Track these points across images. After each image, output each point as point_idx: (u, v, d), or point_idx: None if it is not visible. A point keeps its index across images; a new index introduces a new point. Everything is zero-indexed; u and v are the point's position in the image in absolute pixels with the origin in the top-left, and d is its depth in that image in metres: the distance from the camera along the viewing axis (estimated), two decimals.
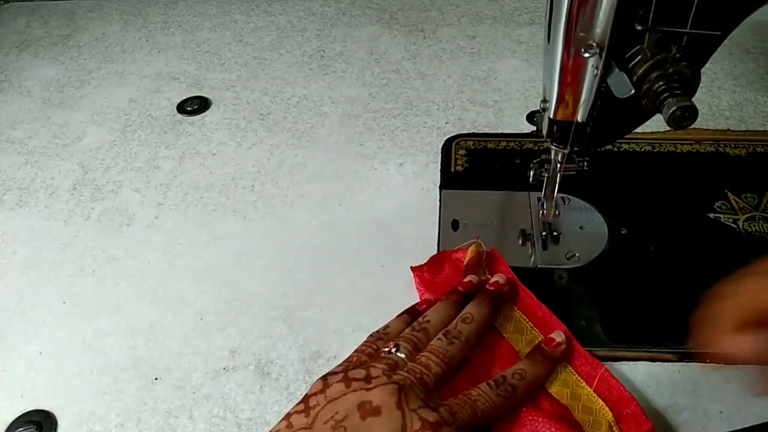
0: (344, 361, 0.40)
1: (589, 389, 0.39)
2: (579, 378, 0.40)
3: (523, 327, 0.43)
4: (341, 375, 0.37)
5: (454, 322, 0.41)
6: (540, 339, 0.42)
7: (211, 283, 0.50)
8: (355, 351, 0.41)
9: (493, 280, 0.45)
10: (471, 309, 0.42)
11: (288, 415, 0.36)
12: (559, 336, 0.41)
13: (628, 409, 0.38)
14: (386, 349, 0.39)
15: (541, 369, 0.40)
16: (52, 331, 0.48)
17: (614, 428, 0.37)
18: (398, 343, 0.40)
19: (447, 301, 0.44)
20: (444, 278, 0.47)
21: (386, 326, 0.43)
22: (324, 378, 0.37)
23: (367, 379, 0.37)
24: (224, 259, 0.52)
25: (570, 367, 0.40)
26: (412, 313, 0.44)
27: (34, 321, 0.48)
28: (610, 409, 0.38)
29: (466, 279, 0.45)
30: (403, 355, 0.39)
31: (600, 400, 0.38)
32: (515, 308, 0.44)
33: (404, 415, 0.34)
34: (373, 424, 0.34)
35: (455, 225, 0.52)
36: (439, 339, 0.40)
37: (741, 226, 0.50)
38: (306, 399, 0.37)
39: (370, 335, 0.42)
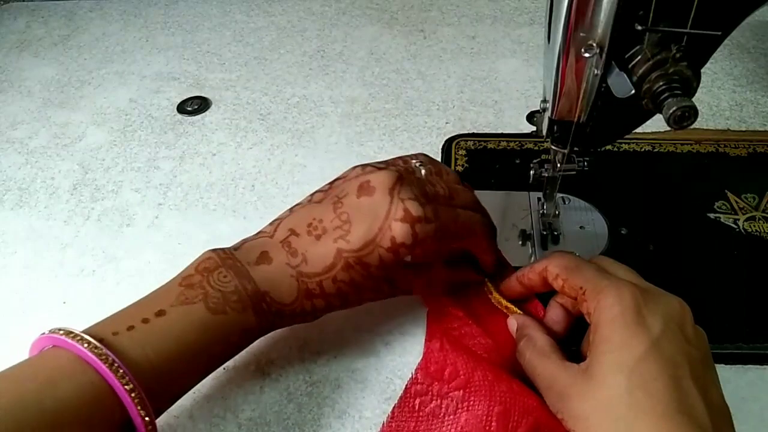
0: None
1: None
2: None
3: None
4: (370, 163, 0.42)
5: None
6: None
7: None
8: (396, 157, 0.44)
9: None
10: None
11: (313, 192, 0.42)
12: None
13: None
14: (414, 162, 0.43)
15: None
16: None
17: None
18: (424, 161, 0.43)
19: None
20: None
21: (432, 159, 0.46)
22: (354, 165, 0.42)
23: (382, 168, 0.40)
24: None
25: None
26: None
27: (34, 321, 0.48)
28: None
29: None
30: (423, 171, 0.42)
31: None
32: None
33: (391, 201, 0.37)
34: (364, 203, 0.38)
35: None
36: (456, 180, 0.44)
37: (741, 226, 0.50)
38: (333, 180, 0.42)
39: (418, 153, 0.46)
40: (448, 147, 0.61)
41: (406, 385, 0.40)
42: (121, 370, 0.31)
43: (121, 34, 0.83)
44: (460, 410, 0.38)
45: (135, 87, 0.73)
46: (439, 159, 0.59)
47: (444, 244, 0.39)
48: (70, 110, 0.70)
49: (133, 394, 0.31)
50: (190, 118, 0.68)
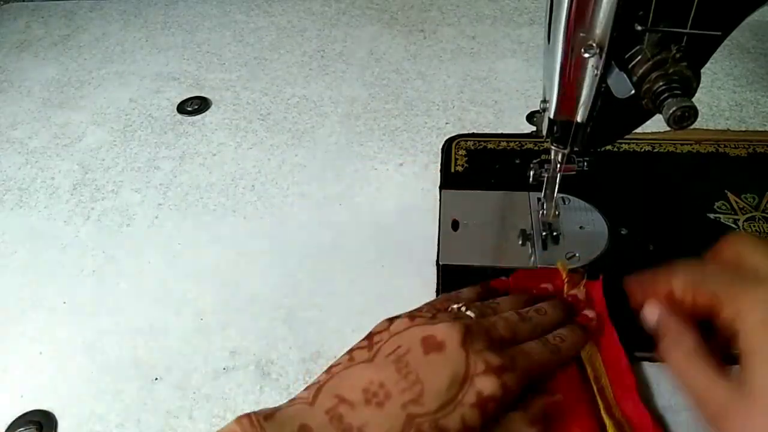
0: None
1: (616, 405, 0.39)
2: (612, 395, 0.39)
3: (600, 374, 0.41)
4: (407, 314, 0.37)
5: (527, 309, 0.40)
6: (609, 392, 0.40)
7: (211, 283, 0.50)
8: (425, 304, 0.40)
9: (583, 313, 0.43)
10: (548, 308, 0.41)
11: (350, 351, 0.36)
12: (591, 313, 0.42)
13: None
14: (455, 306, 0.38)
15: (578, 337, 0.40)
16: (52, 331, 0.48)
17: None
18: (468, 305, 0.38)
19: (519, 297, 0.43)
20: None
21: (459, 291, 0.42)
22: (389, 319, 0.37)
23: (433, 318, 0.36)
24: (224, 259, 0.52)
25: (627, 424, 0.39)
26: (485, 287, 0.44)
27: (34, 321, 0.48)
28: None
29: (542, 285, 0.45)
30: (471, 314, 0.37)
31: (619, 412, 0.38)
32: (598, 354, 0.41)
33: (468, 356, 0.33)
34: (435, 360, 0.33)
35: (455, 225, 0.52)
36: (510, 313, 0.39)
37: (741, 227, 0.50)
38: (370, 336, 0.36)
39: (442, 295, 0.42)
40: (448, 147, 0.61)
41: None
42: None
43: (121, 34, 0.83)
44: None
45: (135, 87, 0.73)
46: (438, 159, 0.59)
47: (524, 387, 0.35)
48: (70, 110, 0.70)
49: None
50: (190, 118, 0.68)
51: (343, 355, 0.36)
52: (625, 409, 0.39)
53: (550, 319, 0.41)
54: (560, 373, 0.39)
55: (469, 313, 0.38)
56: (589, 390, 0.40)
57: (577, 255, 0.49)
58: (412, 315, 0.36)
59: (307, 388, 0.34)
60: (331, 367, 0.35)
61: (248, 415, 0.32)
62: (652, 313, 0.37)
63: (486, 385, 0.32)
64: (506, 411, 0.34)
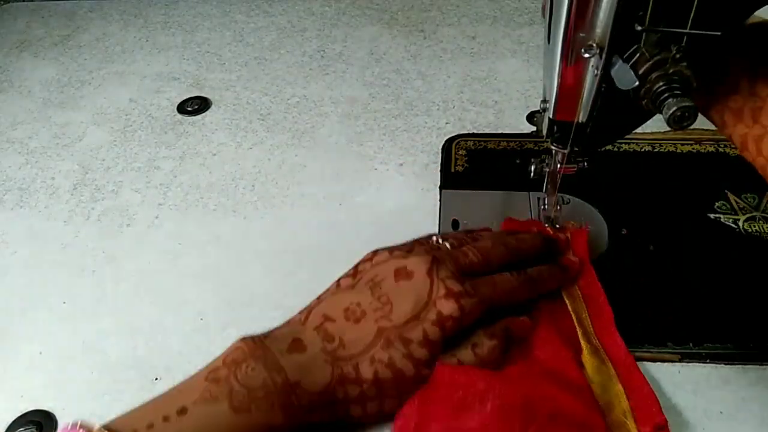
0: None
1: (613, 371, 0.40)
2: (608, 359, 0.41)
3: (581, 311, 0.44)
4: (388, 248, 0.42)
5: (511, 236, 0.45)
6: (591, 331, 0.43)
7: (211, 283, 0.50)
8: (412, 239, 0.44)
9: (566, 256, 0.46)
10: (528, 237, 0.46)
11: (338, 280, 0.41)
12: (574, 257, 0.46)
13: (644, 402, 0.38)
14: (435, 238, 0.43)
15: (557, 273, 0.45)
16: (52, 331, 0.48)
17: (627, 416, 0.38)
18: (446, 237, 0.43)
19: (503, 232, 0.47)
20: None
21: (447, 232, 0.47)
22: (374, 251, 0.42)
23: (409, 251, 0.41)
24: (224, 259, 0.52)
25: (603, 350, 0.41)
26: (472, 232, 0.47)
27: (34, 321, 0.48)
28: (628, 398, 0.38)
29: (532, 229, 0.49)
30: (447, 245, 0.42)
31: (620, 386, 0.39)
32: (578, 291, 0.45)
33: (432, 283, 0.38)
34: (404, 286, 0.38)
35: (455, 225, 0.52)
36: (485, 239, 0.44)
37: (741, 226, 0.50)
38: (356, 267, 0.42)
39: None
40: (448, 147, 0.61)
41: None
42: None
43: (121, 34, 0.83)
44: (485, 399, 0.37)
45: (135, 87, 0.73)
46: (438, 159, 0.59)
47: (487, 312, 0.39)
48: (70, 110, 0.70)
49: None
50: (190, 118, 0.68)
51: (332, 283, 0.41)
52: (602, 337, 0.42)
53: (529, 246, 0.45)
54: (542, 304, 0.44)
55: (446, 244, 0.42)
56: (569, 318, 0.43)
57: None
58: (392, 249, 0.42)
59: (300, 312, 0.40)
60: (321, 294, 0.41)
61: (249, 336, 0.37)
62: None
63: (445, 306, 0.37)
64: (470, 329, 0.39)
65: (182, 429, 0.33)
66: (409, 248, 0.41)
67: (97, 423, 0.32)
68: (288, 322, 0.39)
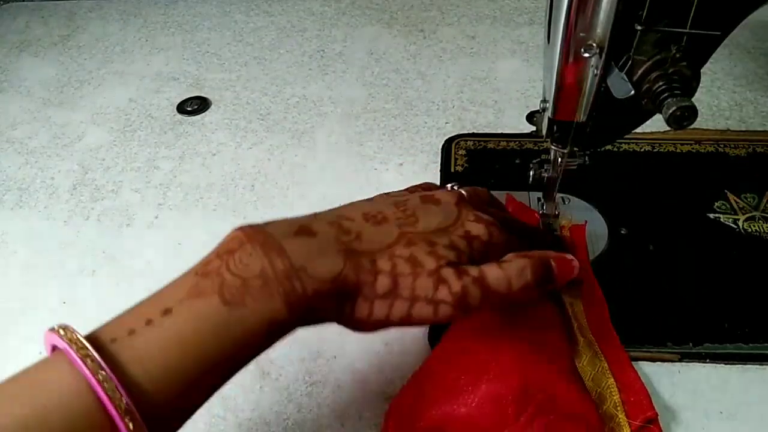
0: None
1: (605, 365, 0.40)
2: (601, 353, 0.41)
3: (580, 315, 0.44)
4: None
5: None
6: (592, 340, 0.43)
7: None
8: None
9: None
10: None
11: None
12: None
13: (635, 397, 0.38)
14: (448, 186, 0.40)
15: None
16: None
17: (618, 408, 0.38)
18: (454, 185, 0.40)
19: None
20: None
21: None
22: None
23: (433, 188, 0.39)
24: None
25: (597, 344, 0.42)
26: None
27: (34, 321, 0.48)
28: (620, 391, 0.39)
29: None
30: (464, 193, 0.39)
31: (612, 379, 0.39)
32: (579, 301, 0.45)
33: (461, 210, 0.36)
34: (431, 207, 0.35)
35: None
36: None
37: (741, 226, 0.50)
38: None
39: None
40: (448, 147, 0.61)
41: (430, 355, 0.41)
42: (120, 396, 0.25)
43: (121, 34, 0.83)
44: (479, 382, 0.37)
45: (135, 87, 0.73)
46: (438, 159, 0.59)
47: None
48: (69, 110, 0.70)
49: (131, 425, 0.25)
50: (189, 118, 0.68)
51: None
52: (596, 332, 0.43)
53: (540, 239, 0.42)
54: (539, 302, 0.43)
55: (461, 190, 0.39)
56: (566, 311, 0.43)
57: None
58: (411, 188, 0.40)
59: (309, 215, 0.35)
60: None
61: (249, 224, 0.32)
62: None
63: (473, 227, 0.35)
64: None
65: (167, 331, 0.28)
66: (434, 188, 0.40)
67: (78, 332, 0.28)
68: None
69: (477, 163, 0.59)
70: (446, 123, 0.64)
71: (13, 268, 0.53)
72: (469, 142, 0.61)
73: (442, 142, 0.61)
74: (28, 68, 0.78)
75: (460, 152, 0.60)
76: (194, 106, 0.69)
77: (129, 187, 0.60)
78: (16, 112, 0.71)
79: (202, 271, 0.30)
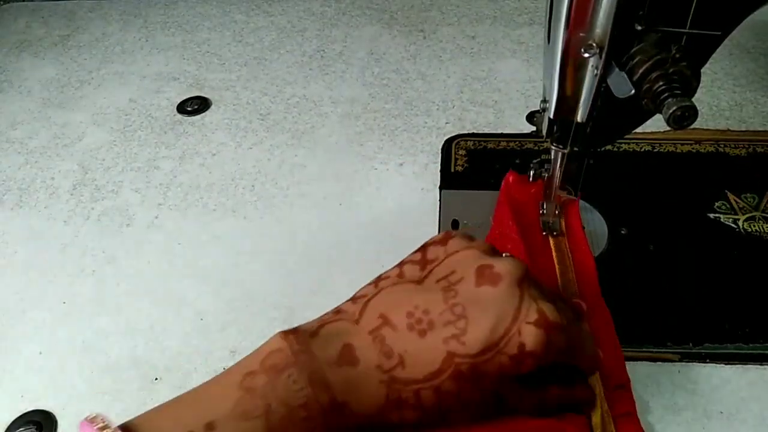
0: None
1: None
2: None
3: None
4: (462, 233, 0.35)
5: None
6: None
7: (211, 283, 0.50)
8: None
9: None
10: None
11: (402, 263, 0.34)
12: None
13: (625, 409, 0.38)
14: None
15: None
16: (52, 331, 0.48)
17: (606, 417, 0.37)
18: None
19: None
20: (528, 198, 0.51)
21: None
22: (446, 232, 0.35)
23: (491, 251, 0.33)
24: (224, 259, 0.52)
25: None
26: None
27: (34, 321, 0.48)
28: (607, 399, 0.38)
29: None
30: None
31: (600, 387, 0.39)
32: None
33: (522, 298, 0.31)
34: (486, 295, 0.31)
35: (455, 225, 0.52)
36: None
37: (741, 226, 0.50)
38: (424, 248, 0.35)
39: None
40: (448, 147, 0.61)
41: None
42: None
43: (121, 34, 0.83)
44: None
45: (135, 87, 0.73)
46: (438, 159, 0.59)
47: (564, 359, 0.33)
48: (70, 110, 0.70)
49: None
50: (190, 118, 0.68)
51: (395, 266, 0.34)
52: (583, 294, 0.44)
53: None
54: (528, 247, 0.45)
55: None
56: (552, 269, 0.45)
57: None
58: (468, 235, 0.34)
59: (354, 300, 0.33)
60: (380, 277, 0.34)
61: (294, 331, 0.31)
62: None
63: (531, 338, 0.30)
64: (544, 379, 0.33)
65: None
66: (489, 246, 0.34)
67: (114, 421, 0.29)
68: (338, 314, 0.33)
69: (477, 163, 0.59)
70: (446, 123, 0.64)
71: (13, 268, 0.53)
72: (469, 142, 0.61)
73: (442, 142, 0.61)
74: (28, 68, 0.78)
75: (460, 152, 0.60)
76: (194, 106, 0.69)
77: (129, 187, 0.60)
78: (17, 112, 0.71)
79: (247, 384, 0.29)
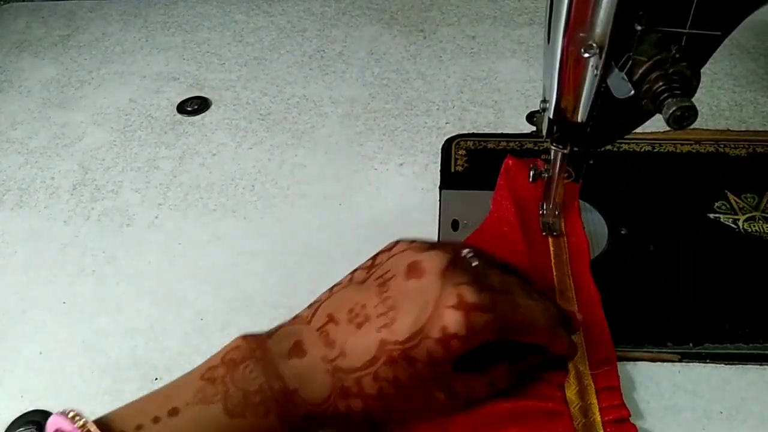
0: None
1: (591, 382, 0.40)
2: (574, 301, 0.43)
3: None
4: (412, 239, 0.38)
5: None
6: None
7: (211, 283, 0.50)
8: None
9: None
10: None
11: (354, 270, 0.38)
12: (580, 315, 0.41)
13: (608, 383, 0.39)
14: (467, 251, 0.38)
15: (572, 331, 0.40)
16: (52, 331, 0.48)
17: (589, 389, 0.39)
18: (478, 253, 0.38)
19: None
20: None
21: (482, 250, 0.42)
22: (397, 240, 0.38)
23: (431, 246, 0.36)
24: (224, 259, 0.52)
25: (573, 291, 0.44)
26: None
27: (34, 321, 0.48)
28: (591, 376, 0.39)
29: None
30: (475, 263, 0.36)
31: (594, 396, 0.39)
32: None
33: (443, 286, 0.33)
34: (411, 286, 0.34)
35: (455, 225, 0.52)
36: (512, 278, 0.38)
37: (741, 226, 0.50)
38: (375, 256, 0.38)
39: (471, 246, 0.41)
40: (448, 147, 0.61)
41: None
42: None
43: (121, 34, 0.83)
44: None
45: (135, 87, 0.73)
46: (438, 159, 0.59)
47: (501, 337, 0.35)
48: (70, 110, 0.70)
49: None
50: (190, 118, 0.68)
51: (349, 272, 0.38)
52: (576, 279, 0.45)
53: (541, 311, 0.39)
54: (524, 238, 0.46)
55: (473, 260, 0.37)
56: (547, 257, 0.47)
57: None
58: (416, 240, 0.37)
59: (310, 306, 0.37)
60: (334, 285, 0.38)
61: (252, 334, 0.34)
62: None
63: (451, 320, 0.32)
64: (489, 359, 0.36)
65: (172, 430, 0.31)
66: (432, 244, 0.37)
67: (87, 416, 0.31)
68: (295, 318, 0.36)
69: (477, 163, 0.59)
70: (446, 123, 0.64)
71: (13, 268, 0.53)
72: (469, 142, 0.61)
73: (442, 142, 0.61)
74: (28, 68, 0.78)
75: (460, 152, 0.60)
76: (194, 106, 0.69)
77: (129, 187, 0.60)
78: (17, 112, 0.71)
79: (207, 376, 0.32)
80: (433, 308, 0.33)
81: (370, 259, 0.38)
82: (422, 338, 0.33)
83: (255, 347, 0.33)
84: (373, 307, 0.34)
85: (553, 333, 0.37)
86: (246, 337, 0.34)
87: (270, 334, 0.35)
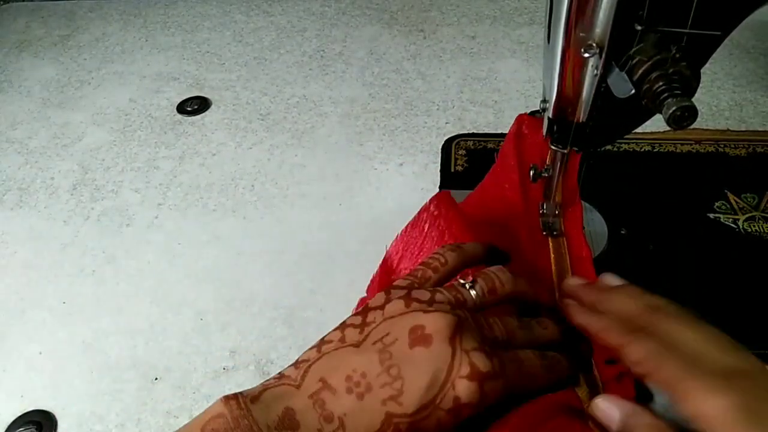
0: (410, 274, 0.37)
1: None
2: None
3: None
4: (404, 292, 0.35)
5: (534, 321, 0.38)
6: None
7: (211, 283, 0.50)
8: (422, 264, 0.38)
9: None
10: (550, 325, 0.39)
11: (343, 326, 0.35)
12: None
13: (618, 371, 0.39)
14: (462, 281, 0.36)
15: (570, 364, 0.37)
16: (52, 331, 0.48)
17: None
18: (477, 279, 0.36)
19: (522, 280, 0.39)
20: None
21: (463, 244, 0.40)
22: (387, 291, 0.35)
23: (429, 302, 0.34)
24: (224, 259, 0.52)
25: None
26: (490, 248, 0.41)
27: (34, 321, 0.48)
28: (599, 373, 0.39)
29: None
30: (474, 294, 0.35)
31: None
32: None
33: (454, 355, 0.32)
34: (420, 355, 0.32)
35: None
36: (513, 319, 0.37)
37: (741, 226, 0.50)
38: (365, 312, 0.35)
39: (442, 246, 0.39)
40: (448, 147, 0.61)
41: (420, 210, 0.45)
42: None
43: (121, 34, 0.83)
44: None
45: (135, 87, 0.73)
46: (438, 159, 0.59)
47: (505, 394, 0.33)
48: (70, 110, 0.70)
49: None
50: (189, 118, 0.68)
51: (336, 329, 0.35)
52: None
53: (550, 335, 0.38)
54: (525, 236, 0.46)
55: (472, 292, 0.35)
56: (547, 257, 0.46)
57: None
58: (409, 295, 0.34)
59: (296, 365, 0.33)
60: (322, 341, 0.35)
61: (236, 396, 0.31)
62: (611, 409, 0.33)
63: (465, 392, 0.31)
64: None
65: None
66: (430, 297, 0.34)
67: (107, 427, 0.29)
68: (281, 379, 0.33)
69: (477, 163, 0.59)
70: (446, 123, 0.64)
71: (13, 268, 0.53)
72: (469, 142, 0.61)
73: (442, 142, 0.61)
74: (28, 68, 0.78)
75: (460, 152, 0.60)
76: (194, 106, 0.69)
77: (129, 187, 0.60)
78: (16, 112, 0.71)
79: None
80: (445, 378, 0.31)
81: (360, 313, 0.35)
82: (433, 409, 0.31)
83: (239, 416, 0.30)
84: (375, 376, 0.32)
85: (552, 378, 0.36)
86: (229, 401, 0.31)
87: (254, 397, 0.31)
